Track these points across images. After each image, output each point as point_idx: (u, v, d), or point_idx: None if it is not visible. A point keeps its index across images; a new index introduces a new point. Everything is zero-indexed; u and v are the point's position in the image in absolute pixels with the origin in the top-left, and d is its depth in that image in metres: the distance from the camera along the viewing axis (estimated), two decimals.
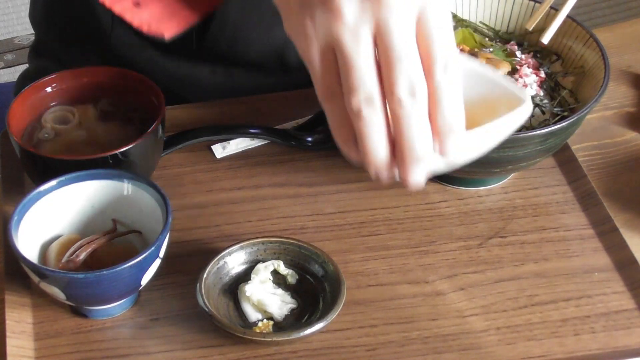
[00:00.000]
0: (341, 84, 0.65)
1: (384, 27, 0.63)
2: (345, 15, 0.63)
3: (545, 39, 0.90)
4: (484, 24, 0.96)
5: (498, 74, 0.75)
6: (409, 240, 0.85)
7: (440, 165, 0.67)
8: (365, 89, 0.64)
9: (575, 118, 0.83)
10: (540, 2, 0.94)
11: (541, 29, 0.94)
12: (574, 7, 0.91)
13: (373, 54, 0.64)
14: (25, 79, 1.16)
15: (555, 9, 0.92)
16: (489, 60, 0.88)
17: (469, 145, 0.69)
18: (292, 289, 0.80)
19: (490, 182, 0.91)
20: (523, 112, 0.72)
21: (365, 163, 0.67)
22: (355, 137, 0.66)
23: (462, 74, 0.66)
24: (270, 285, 0.80)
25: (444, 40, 0.65)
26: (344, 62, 0.64)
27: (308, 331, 0.74)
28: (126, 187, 0.80)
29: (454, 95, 0.65)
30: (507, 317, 0.79)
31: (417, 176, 0.66)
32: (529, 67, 0.89)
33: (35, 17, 1.18)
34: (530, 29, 0.93)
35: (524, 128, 0.85)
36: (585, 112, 0.83)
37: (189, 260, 0.82)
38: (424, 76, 0.64)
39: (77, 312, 0.79)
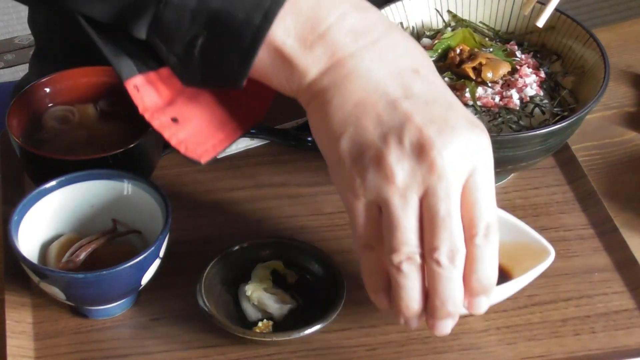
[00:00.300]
0: (380, 237, 0.68)
1: (432, 193, 0.66)
2: (397, 178, 0.65)
3: (540, 22, 0.90)
4: (484, 24, 0.96)
5: (523, 223, 0.78)
6: None
7: (465, 312, 0.71)
8: (407, 249, 0.66)
9: (575, 118, 0.83)
10: (541, 2, 0.94)
11: (540, 28, 0.94)
12: (574, 7, 0.91)
13: (418, 214, 0.66)
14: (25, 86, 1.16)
15: (541, 3, 0.92)
16: (489, 60, 0.88)
17: (495, 297, 0.72)
18: (292, 289, 0.80)
19: None
20: (548, 263, 0.76)
21: (396, 312, 0.70)
22: (385, 286, 0.69)
23: None
24: (270, 285, 0.80)
25: (487, 204, 0.68)
26: (389, 221, 0.66)
27: (308, 331, 0.74)
28: (126, 187, 0.80)
29: (491, 259, 0.68)
30: (507, 317, 0.79)
31: (446, 329, 0.70)
32: (529, 67, 0.89)
33: (35, 26, 1.18)
34: (526, 13, 0.93)
35: (524, 128, 0.85)
36: (585, 112, 0.83)
37: (189, 260, 0.82)
38: (464, 242, 0.67)
39: (77, 312, 0.79)
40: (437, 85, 0.69)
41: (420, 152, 0.65)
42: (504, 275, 0.76)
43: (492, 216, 0.68)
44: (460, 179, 0.66)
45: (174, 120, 0.73)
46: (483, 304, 0.70)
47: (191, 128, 0.73)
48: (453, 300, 0.67)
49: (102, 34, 0.71)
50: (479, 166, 0.67)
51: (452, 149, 0.65)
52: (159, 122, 0.72)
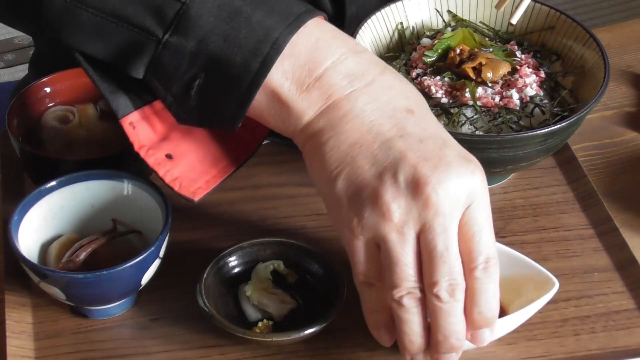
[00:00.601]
0: (380, 274, 0.69)
1: (429, 229, 0.67)
2: (393, 215, 0.67)
3: (514, 19, 0.90)
4: (484, 24, 0.96)
5: (525, 256, 0.79)
6: None
7: (469, 345, 0.71)
8: (407, 284, 0.68)
9: (575, 118, 0.83)
10: (540, 3, 0.94)
11: (540, 28, 0.94)
12: (574, 7, 0.91)
13: (416, 250, 0.68)
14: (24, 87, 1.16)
15: None
16: (489, 60, 0.88)
17: (500, 330, 0.73)
18: (292, 289, 0.80)
19: (490, 182, 0.91)
20: (552, 294, 0.76)
21: (401, 348, 0.70)
22: (386, 323, 0.71)
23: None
24: (270, 285, 0.80)
25: (486, 237, 0.69)
26: (388, 258, 0.68)
27: (308, 331, 0.74)
28: (126, 187, 0.81)
29: (492, 292, 0.69)
30: None
31: None
32: (529, 67, 0.89)
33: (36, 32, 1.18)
34: (501, 9, 0.93)
35: (524, 128, 0.85)
36: (585, 112, 0.83)
37: (189, 260, 0.82)
38: (463, 276, 0.68)
39: (77, 312, 0.79)
40: (431, 123, 0.70)
41: (415, 189, 0.66)
42: (508, 309, 0.76)
43: (491, 248, 0.69)
44: (456, 214, 0.67)
45: (168, 156, 0.74)
46: (486, 337, 0.70)
47: (185, 165, 0.74)
48: (456, 334, 0.68)
49: (98, 68, 0.72)
50: (475, 200, 0.68)
51: (447, 184, 0.67)
52: (154, 159, 0.73)
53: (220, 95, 0.70)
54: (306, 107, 0.69)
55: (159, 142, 0.74)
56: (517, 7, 0.89)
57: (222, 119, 0.71)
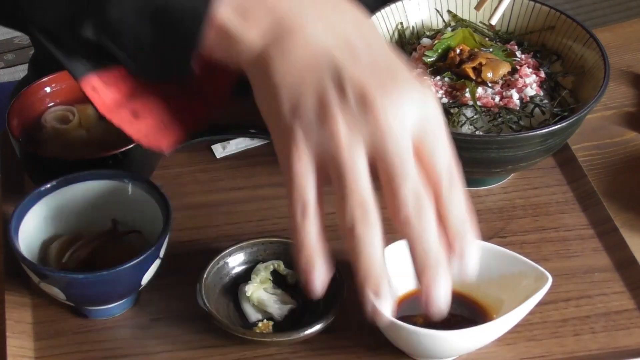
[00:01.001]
0: (320, 199, 0.65)
1: (383, 151, 0.63)
2: (341, 131, 0.63)
3: (494, 19, 0.90)
4: (484, 24, 0.96)
5: (516, 254, 0.78)
6: None
7: (466, 349, 0.72)
8: (359, 198, 0.64)
9: (575, 118, 0.83)
10: (540, 3, 0.94)
11: (540, 28, 0.94)
12: (574, 7, 0.91)
13: (368, 170, 0.64)
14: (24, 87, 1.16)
15: None
16: (489, 60, 0.88)
17: (498, 330, 0.72)
18: (292, 289, 0.80)
19: (490, 182, 0.91)
20: (546, 289, 0.75)
21: (360, 280, 0.64)
22: (322, 261, 0.66)
23: (484, 254, 0.67)
24: (270, 285, 0.80)
25: (444, 151, 0.65)
26: (338, 175, 0.64)
27: (308, 331, 0.74)
28: (126, 187, 0.81)
29: (461, 196, 0.65)
30: None
31: (440, 291, 0.63)
32: (529, 67, 0.89)
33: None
34: (480, 11, 0.93)
35: (524, 128, 0.85)
36: (585, 112, 0.83)
37: (189, 260, 0.82)
38: (426, 188, 0.64)
39: (77, 312, 0.79)
40: (381, 46, 0.68)
41: (364, 105, 0.64)
42: (505, 308, 0.76)
43: (451, 162, 0.65)
44: (407, 131, 0.64)
45: (135, 115, 0.73)
46: (471, 247, 0.65)
47: (152, 120, 0.73)
48: (436, 246, 0.63)
49: (61, 46, 0.72)
50: (428, 117, 0.65)
51: (398, 102, 0.64)
52: (119, 117, 0.72)
53: (171, 44, 0.69)
54: (255, 35, 0.67)
55: (123, 101, 0.73)
56: (496, 8, 0.89)
57: (177, 67, 0.70)
